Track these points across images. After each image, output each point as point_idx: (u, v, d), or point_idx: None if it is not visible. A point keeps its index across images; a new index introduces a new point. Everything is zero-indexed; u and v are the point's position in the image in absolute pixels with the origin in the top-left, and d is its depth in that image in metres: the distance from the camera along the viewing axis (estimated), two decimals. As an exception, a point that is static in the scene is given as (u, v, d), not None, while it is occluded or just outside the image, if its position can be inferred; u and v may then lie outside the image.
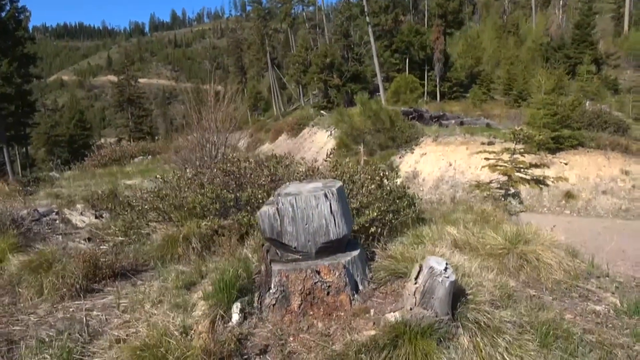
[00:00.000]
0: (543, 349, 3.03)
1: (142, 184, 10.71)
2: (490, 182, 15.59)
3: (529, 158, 20.23)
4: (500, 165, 15.21)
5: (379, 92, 45.24)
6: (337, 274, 3.37)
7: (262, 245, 3.96)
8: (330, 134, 34.20)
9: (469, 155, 22.72)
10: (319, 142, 35.29)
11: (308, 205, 3.35)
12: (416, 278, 3.08)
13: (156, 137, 53.45)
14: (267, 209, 3.34)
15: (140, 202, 5.85)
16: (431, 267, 2.99)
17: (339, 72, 46.12)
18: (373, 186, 5.64)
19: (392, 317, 3.12)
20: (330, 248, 3.47)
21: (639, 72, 54.68)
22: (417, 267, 3.10)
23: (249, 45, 71.74)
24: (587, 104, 28.39)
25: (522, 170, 15.01)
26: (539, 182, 15.82)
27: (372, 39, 41.21)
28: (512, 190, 14.93)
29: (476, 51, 50.28)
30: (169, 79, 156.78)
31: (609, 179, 19.32)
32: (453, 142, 24.14)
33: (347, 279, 3.40)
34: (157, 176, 6.83)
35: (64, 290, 3.81)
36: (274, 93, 65.22)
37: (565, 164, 20.31)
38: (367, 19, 41.06)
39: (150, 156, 19.12)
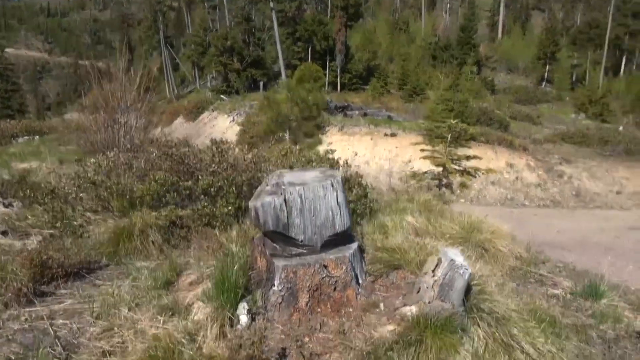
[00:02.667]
0: (544, 335, 3.16)
1: (42, 167, 9.49)
2: (425, 172, 16.28)
3: (428, 147, 21.62)
4: (436, 157, 16.02)
5: (279, 78, 45.04)
6: (343, 268, 3.21)
7: (252, 238, 3.64)
8: (233, 120, 33.25)
9: (373, 146, 23.63)
10: (220, 127, 34.15)
11: (316, 196, 3.13)
12: (433, 270, 3.03)
13: (27, 116, 48.01)
14: (272, 200, 3.05)
15: (71, 189, 5.09)
16: (452, 260, 2.96)
17: (240, 56, 44.99)
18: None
19: (408, 311, 3.05)
20: (335, 241, 3.29)
21: (511, 75, 60.80)
22: (434, 260, 3.04)
23: (139, 21, 66.94)
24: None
25: (455, 161, 15.90)
26: (469, 173, 16.90)
27: (275, 25, 40.74)
28: (445, 181, 15.76)
29: (373, 45, 52.20)
30: (41, 50, 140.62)
31: (483, 170, 21.26)
32: (358, 132, 24.86)
33: (353, 273, 3.26)
34: (84, 161, 6.04)
35: (10, 295, 3.17)
36: (166, 74, 61.60)
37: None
38: (272, 4, 40.46)
39: (37, 136, 16.95)
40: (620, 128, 37.59)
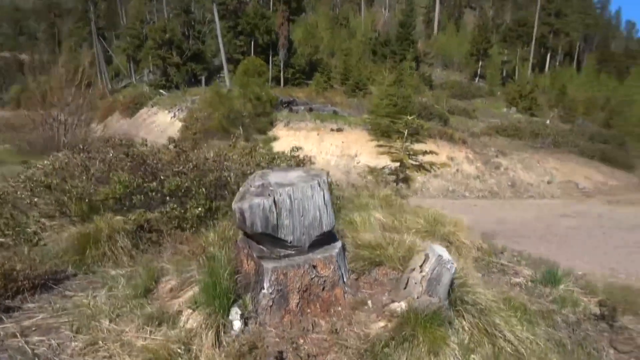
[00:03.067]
0: (520, 323, 3.33)
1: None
2: (384, 167, 16.50)
3: (373, 143, 22.07)
4: (393, 152, 16.29)
5: (220, 73, 44.14)
6: (331, 267, 3.23)
7: (236, 240, 3.56)
8: (174, 116, 32.25)
9: (320, 141, 23.75)
10: (161, 123, 33.07)
11: (304, 196, 3.11)
12: (421, 266, 3.11)
13: None
14: (261, 201, 3.00)
15: (23, 193, 4.75)
16: (440, 255, 3.06)
17: (179, 49, 43.66)
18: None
19: (398, 307, 3.11)
20: (321, 241, 3.30)
21: (447, 70, 63.05)
22: (422, 256, 3.12)
23: (68, 11, 63.19)
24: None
25: (411, 156, 16.23)
26: (424, 168, 17.31)
27: (216, 18, 39.81)
28: (402, 176, 16.06)
29: (315, 40, 52.34)
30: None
31: (439, 164, 22.05)
32: (304, 127, 24.87)
33: (340, 272, 3.28)
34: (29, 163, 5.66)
35: (-28, 312, 2.94)
36: (99, 68, 58.64)
37: (405, 150, 22.60)
38: (212, -4, 39.49)
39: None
40: (548, 122, 40.08)
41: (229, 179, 5.08)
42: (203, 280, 2.99)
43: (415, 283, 3.08)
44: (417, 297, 3.07)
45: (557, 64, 74.21)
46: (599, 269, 8.84)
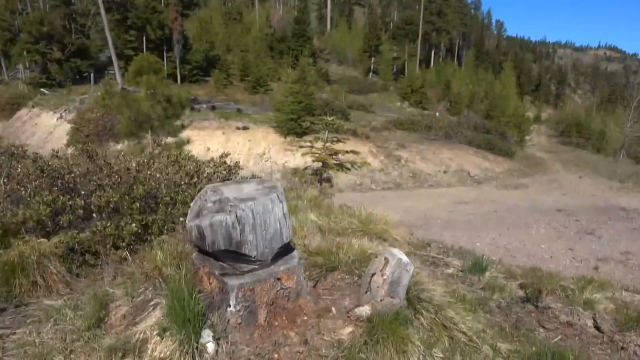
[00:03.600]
0: (470, 314, 3.62)
1: None
2: (306, 168, 16.44)
3: (280, 140, 22.19)
4: (316, 153, 16.32)
5: (109, 69, 41.35)
6: (294, 278, 3.25)
7: (192, 259, 3.41)
8: (61, 117, 29.68)
9: (226, 140, 23.26)
10: (45, 126, 30.22)
11: (265, 210, 3.09)
12: (382, 270, 3.24)
13: None
14: (223, 218, 2.92)
15: None
16: (399, 259, 3.21)
17: (61, 44, 40.05)
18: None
19: (362, 311, 3.22)
20: (281, 252, 3.30)
21: (342, 66, 64.90)
22: (382, 260, 3.26)
23: None
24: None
25: (333, 156, 16.35)
26: (344, 166, 17.55)
27: (102, 11, 37.02)
28: (325, 175, 16.12)
29: (210, 35, 50.99)
30: None
31: (359, 162, 22.73)
32: (209, 126, 24.21)
33: (303, 282, 3.32)
34: None
35: None
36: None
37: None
38: (96, -13, 36.71)
39: None
40: (437, 114, 43.05)
41: (159, 190, 4.86)
42: (169, 304, 2.85)
43: (378, 287, 3.21)
44: (381, 300, 3.20)
45: (441, 59, 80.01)
46: (502, 251, 9.81)
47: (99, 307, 3.16)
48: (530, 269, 6.01)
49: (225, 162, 6.00)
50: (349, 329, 3.14)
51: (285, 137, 22.26)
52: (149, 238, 4.31)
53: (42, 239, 3.98)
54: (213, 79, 39.66)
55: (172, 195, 4.74)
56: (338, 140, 16.16)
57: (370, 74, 62.37)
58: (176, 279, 3.11)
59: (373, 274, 3.27)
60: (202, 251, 3.20)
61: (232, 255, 3.07)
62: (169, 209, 4.56)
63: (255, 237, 3.05)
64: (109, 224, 4.15)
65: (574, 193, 21.56)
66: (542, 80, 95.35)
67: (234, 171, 5.88)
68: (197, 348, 2.68)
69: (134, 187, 4.68)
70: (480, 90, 58.02)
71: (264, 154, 22.09)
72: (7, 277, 3.58)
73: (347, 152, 16.74)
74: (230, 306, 2.98)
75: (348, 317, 3.25)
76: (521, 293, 4.69)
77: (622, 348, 3.86)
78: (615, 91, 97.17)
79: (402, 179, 22.53)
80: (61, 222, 4.06)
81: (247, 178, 5.92)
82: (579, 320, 4.14)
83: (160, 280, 3.24)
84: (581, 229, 15.70)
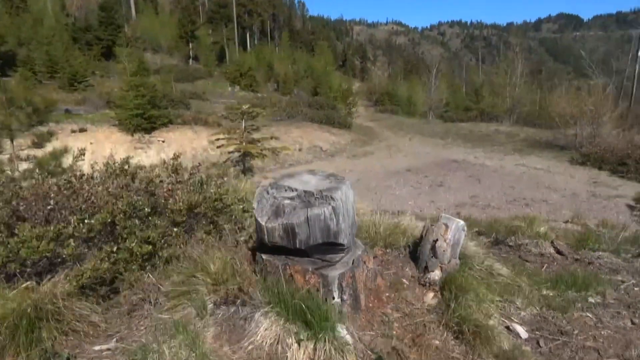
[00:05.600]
0: (494, 260, 4.14)
1: None
2: (227, 160, 15.07)
3: (127, 139, 20.42)
4: (235, 143, 15.08)
5: None
6: (371, 258, 3.36)
7: (265, 261, 3.21)
8: None
9: (62, 147, 20.40)
10: None
11: (347, 198, 3.12)
12: (443, 235, 3.54)
13: None
14: (320, 211, 2.88)
15: None
16: (457, 222, 3.55)
17: None
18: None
19: (434, 275, 3.49)
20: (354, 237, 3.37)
21: (159, 54, 61.49)
22: (442, 226, 3.55)
23: None
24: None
25: (254, 143, 15.30)
26: (263, 154, 16.56)
27: None
28: (247, 165, 15.02)
29: (-5, 29, 43.35)
30: None
31: (201, 149, 21.99)
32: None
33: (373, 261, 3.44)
34: None
35: None
36: None
37: (163, 141, 21.59)
38: None
39: None
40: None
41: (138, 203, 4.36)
42: (290, 310, 2.73)
43: (444, 251, 3.50)
44: (448, 262, 3.50)
45: (256, 42, 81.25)
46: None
47: (188, 337, 2.85)
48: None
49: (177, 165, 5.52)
50: (431, 294, 3.39)
51: (132, 135, 20.53)
52: (159, 255, 3.89)
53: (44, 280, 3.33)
54: (16, 78, 33.99)
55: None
56: (257, 129, 15.53)
57: (191, 60, 60.34)
58: (274, 285, 2.97)
59: (435, 240, 3.54)
60: (284, 251, 3.09)
61: (323, 248, 3.04)
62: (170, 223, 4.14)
63: (345, 225, 3.08)
64: (115, 248, 3.63)
65: (412, 154, 24.43)
66: (347, 56, 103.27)
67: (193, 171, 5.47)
68: (335, 345, 2.65)
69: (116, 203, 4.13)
70: (301, 70, 60.61)
71: (111, 155, 19.95)
72: (31, 329, 2.95)
73: (271, 138, 16.31)
74: (335, 297, 2.97)
75: (422, 284, 3.48)
76: (486, 238, 5.45)
77: (577, 260, 4.83)
78: (409, 61, 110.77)
79: (263, 162, 22.76)
80: (63, 256, 3.40)
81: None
82: (545, 250, 5.03)
83: (259, 292, 3.01)
84: (432, 183, 18.02)
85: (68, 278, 3.34)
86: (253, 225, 4.71)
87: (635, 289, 4.03)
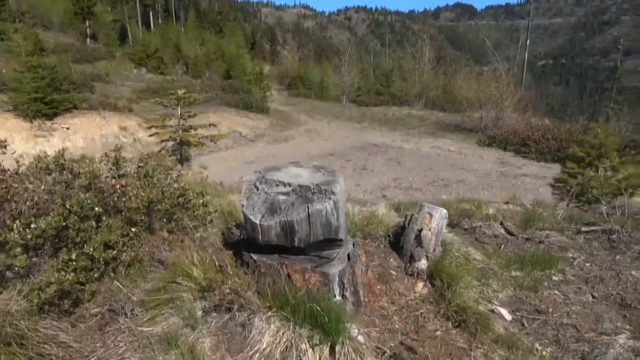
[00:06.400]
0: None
1: None
2: (161, 150, 13.60)
3: (26, 126, 18.37)
4: (171, 132, 13.67)
5: None
6: (363, 252, 3.29)
7: (257, 262, 2.98)
8: None
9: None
10: None
11: (342, 191, 3.00)
12: (427, 224, 3.55)
13: None
14: (322, 206, 2.73)
15: None
16: (441, 210, 3.57)
17: None
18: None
19: (421, 265, 3.50)
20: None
21: (51, 32, 56.32)
22: (426, 215, 3.55)
23: None
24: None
25: (190, 130, 13.96)
26: (201, 142, 15.19)
27: None
28: (185, 155, 13.70)
29: None
30: None
31: (112, 136, 20.42)
32: None
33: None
34: None
35: None
36: None
37: (67, 128, 19.70)
38: None
39: None
40: (175, 78, 41.97)
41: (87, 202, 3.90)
42: (297, 313, 2.57)
43: (429, 240, 3.51)
44: (433, 251, 3.52)
45: (160, 21, 77.06)
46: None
47: (182, 351, 2.59)
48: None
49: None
50: (420, 283, 3.39)
51: (31, 122, 18.50)
52: (120, 260, 3.49)
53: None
54: None
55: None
56: (193, 115, 14.32)
57: (88, 40, 55.75)
58: (270, 287, 2.78)
59: (420, 230, 3.53)
60: (277, 249, 2.91)
61: (320, 245, 2.90)
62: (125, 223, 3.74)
63: (343, 219, 2.96)
64: (74, 256, 3.20)
65: (332, 138, 24.66)
66: (256, 39, 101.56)
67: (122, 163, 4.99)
68: (354, 347, 2.54)
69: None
70: (211, 52, 58.51)
71: (5, 145, 17.78)
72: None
73: (210, 125, 15.23)
74: (336, 295, 2.86)
75: (409, 274, 3.47)
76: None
77: (527, 239, 5.13)
78: (319, 45, 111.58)
79: (193, 151, 21.66)
80: (14, 269, 2.92)
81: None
82: (497, 231, 5.26)
83: (233, 295, 2.78)
84: (356, 167, 18.35)
85: (23, 294, 2.90)
86: (219, 222, 4.44)
87: (587, 264, 4.35)
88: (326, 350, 2.47)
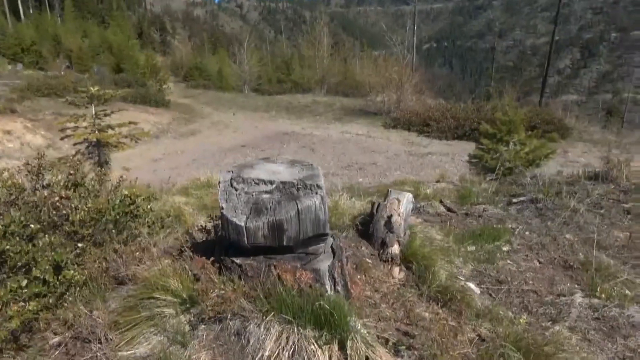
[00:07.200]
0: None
1: None
2: (76, 153, 11.69)
3: None
4: (86, 133, 11.82)
5: None
6: (345, 244, 3.27)
7: (245, 266, 2.80)
8: None
9: None
10: None
11: (323, 186, 2.95)
12: (397, 209, 3.62)
13: None
14: (311, 202, 2.65)
15: None
16: (407, 195, 3.65)
17: None
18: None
19: (394, 250, 3.56)
20: (321, 224, 3.20)
21: None
22: (394, 201, 3.61)
23: None
24: None
25: (107, 130, 12.17)
26: (122, 142, 13.30)
27: None
28: (104, 157, 11.92)
29: None
30: None
31: (138, 134, 18.20)
32: None
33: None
34: None
35: None
36: None
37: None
38: None
39: None
40: (62, 72, 38.59)
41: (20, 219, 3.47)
42: (304, 316, 2.49)
43: (399, 225, 3.57)
44: (403, 235, 3.59)
45: (31, 10, 69.98)
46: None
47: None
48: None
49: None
50: (396, 268, 3.45)
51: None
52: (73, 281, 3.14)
53: None
54: None
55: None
56: (109, 114, 12.67)
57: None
58: (261, 290, 2.67)
59: (389, 216, 3.59)
60: (262, 250, 2.79)
61: (307, 241, 2.83)
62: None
63: (327, 213, 2.91)
64: (25, 283, 2.81)
65: (240, 129, 24.17)
66: (143, 28, 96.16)
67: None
68: (364, 340, 2.52)
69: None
70: (96, 44, 54.24)
71: None
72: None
73: (130, 123, 13.68)
74: (327, 290, 2.82)
75: (384, 260, 3.52)
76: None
77: (467, 214, 5.45)
78: (213, 34, 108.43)
79: (72, 151, 19.88)
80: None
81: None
82: (438, 209, 5.52)
83: (265, 300, 2.63)
84: (270, 156, 18.14)
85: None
86: (170, 227, 4.15)
87: (527, 233, 4.72)
88: (335, 349, 2.43)
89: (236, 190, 2.79)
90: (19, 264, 3.00)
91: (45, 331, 2.86)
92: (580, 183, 6.62)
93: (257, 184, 2.82)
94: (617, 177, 6.67)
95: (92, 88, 11.76)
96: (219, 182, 2.90)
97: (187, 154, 19.06)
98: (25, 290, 2.80)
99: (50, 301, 2.93)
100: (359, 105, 28.80)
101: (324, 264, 2.81)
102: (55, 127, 21.55)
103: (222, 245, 3.04)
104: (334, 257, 2.89)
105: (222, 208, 2.71)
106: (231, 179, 2.89)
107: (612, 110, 49.02)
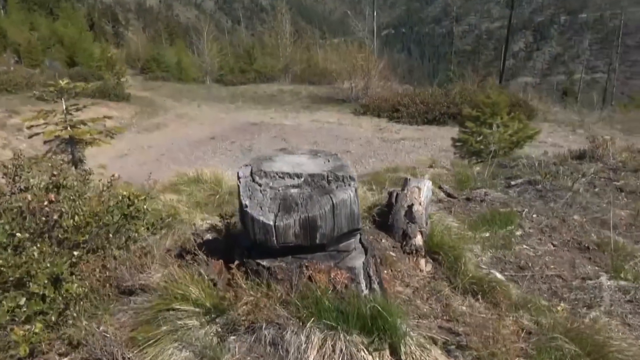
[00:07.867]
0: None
1: None
2: (48, 152, 10.72)
3: None
4: (58, 130, 10.86)
5: None
6: (371, 235, 3.06)
7: (273, 269, 2.54)
8: None
9: None
10: None
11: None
12: (417, 198, 3.44)
13: None
14: (346, 195, 2.43)
15: None
16: (426, 182, 3.47)
17: None
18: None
19: (417, 241, 3.38)
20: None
21: None
22: (414, 189, 3.42)
23: None
24: None
25: (79, 126, 11.22)
26: (97, 138, 12.33)
27: None
28: (79, 155, 11.00)
29: None
30: None
31: (114, 129, 17.05)
32: None
33: (364, 240, 3.15)
34: None
35: None
36: None
37: None
38: None
39: None
40: (12, 68, 36.63)
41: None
42: (347, 322, 2.28)
43: (421, 214, 3.39)
44: (426, 224, 3.42)
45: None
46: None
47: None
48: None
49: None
50: (423, 260, 3.27)
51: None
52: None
53: None
54: None
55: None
56: (81, 109, 11.74)
57: None
58: (295, 294, 2.44)
59: (410, 206, 3.40)
60: (290, 250, 2.55)
61: (339, 238, 2.60)
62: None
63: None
64: (23, 301, 2.48)
65: (207, 121, 23.50)
66: (94, 20, 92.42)
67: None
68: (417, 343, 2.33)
69: None
70: (46, 37, 51.60)
71: None
72: None
73: (105, 117, 12.77)
74: (363, 290, 2.61)
75: (408, 252, 3.33)
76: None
77: (469, 199, 5.35)
78: (169, 25, 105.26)
79: (36, 150, 18.84)
80: None
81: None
82: (439, 195, 5.38)
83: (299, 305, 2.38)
84: (242, 148, 17.77)
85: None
86: (172, 230, 3.83)
87: (534, 216, 4.64)
88: (387, 353, 2.22)
89: (260, 185, 2.53)
90: (11, 279, 2.66)
91: (48, 353, 2.54)
92: (567, 162, 6.64)
93: (282, 177, 2.56)
94: (603, 156, 6.73)
95: (61, 81, 11.03)
96: (238, 177, 2.63)
97: (155, 148, 18.38)
98: (25, 309, 2.47)
99: (53, 319, 2.61)
100: (326, 92, 28.54)
101: (358, 261, 2.60)
102: (8, 125, 20.39)
103: (241, 247, 2.77)
104: (366, 254, 2.68)
105: (246, 206, 2.44)
106: (251, 173, 2.62)
107: (567, 92, 50.63)
